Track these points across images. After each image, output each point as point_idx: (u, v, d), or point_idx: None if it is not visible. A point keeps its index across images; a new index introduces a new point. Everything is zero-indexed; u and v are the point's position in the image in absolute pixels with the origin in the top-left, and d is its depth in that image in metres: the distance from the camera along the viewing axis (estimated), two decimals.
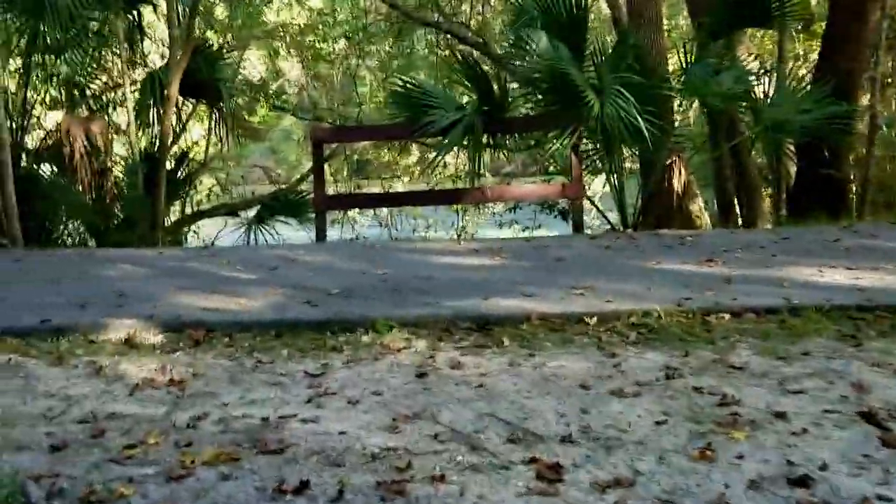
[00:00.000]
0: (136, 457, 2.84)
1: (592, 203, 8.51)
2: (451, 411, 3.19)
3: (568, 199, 8.24)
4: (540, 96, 8.27)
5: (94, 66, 10.13)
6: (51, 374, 3.73)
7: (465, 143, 8.15)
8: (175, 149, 10.96)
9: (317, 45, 16.54)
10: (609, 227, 8.73)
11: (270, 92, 15.02)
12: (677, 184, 8.27)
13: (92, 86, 10.35)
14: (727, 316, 4.29)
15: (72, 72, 9.80)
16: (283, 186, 18.44)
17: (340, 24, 16.30)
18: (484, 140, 8.19)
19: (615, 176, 8.49)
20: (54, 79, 9.86)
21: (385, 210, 17.98)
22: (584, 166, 8.25)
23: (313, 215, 8.29)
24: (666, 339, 3.99)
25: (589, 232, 8.74)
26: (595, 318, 4.26)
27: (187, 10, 8.88)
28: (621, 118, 7.38)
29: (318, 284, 5.15)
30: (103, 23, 9.24)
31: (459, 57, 8.42)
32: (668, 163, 8.39)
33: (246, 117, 21.11)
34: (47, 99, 10.11)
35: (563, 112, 7.92)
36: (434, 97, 8.59)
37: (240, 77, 15.63)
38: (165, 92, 8.49)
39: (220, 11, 16.87)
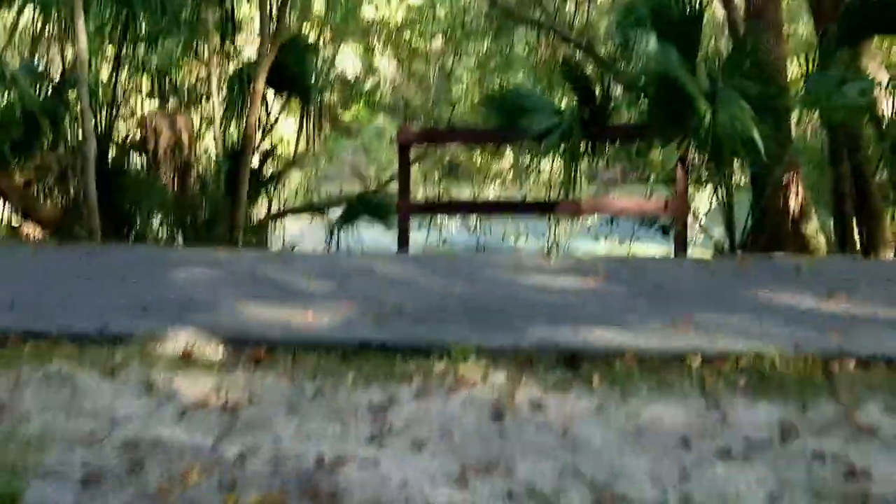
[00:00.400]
0: (172, 496, 2.61)
1: (696, 219, 8.01)
2: (529, 464, 2.87)
3: (671, 215, 7.77)
4: (646, 103, 7.81)
5: (186, 57, 10.16)
6: (100, 388, 3.56)
7: (560, 150, 7.77)
8: (265, 145, 10.95)
9: (413, 42, 16.37)
10: (715, 246, 8.21)
11: (364, 89, 14.90)
12: (794, 203, 7.70)
13: (182, 78, 10.36)
14: (853, 364, 3.81)
15: (162, 63, 9.85)
16: (371, 186, 18.43)
17: (438, 21, 16.08)
18: (582, 148, 7.79)
19: (724, 191, 7.97)
20: (145, 69, 9.91)
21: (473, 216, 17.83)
22: (689, 180, 7.77)
23: (396, 206, 8.05)
24: (781, 389, 3.55)
25: (692, 252, 8.22)
26: (698, 359, 3.84)
27: (279, 1, 8.76)
28: (735, 129, 6.87)
29: (394, 300, 4.87)
30: (195, 13, 9.20)
31: (560, 58, 8.05)
32: (783, 180, 7.82)
33: (339, 114, 21.24)
34: (138, 90, 10.17)
35: (671, 121, 7.45)
36: (530, 101, 8.26)
37: (334, 73, 15.61)
38: (252, 86, 8.40)
39: (317, 6, 16.88)
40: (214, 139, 8.66)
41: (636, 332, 4.22)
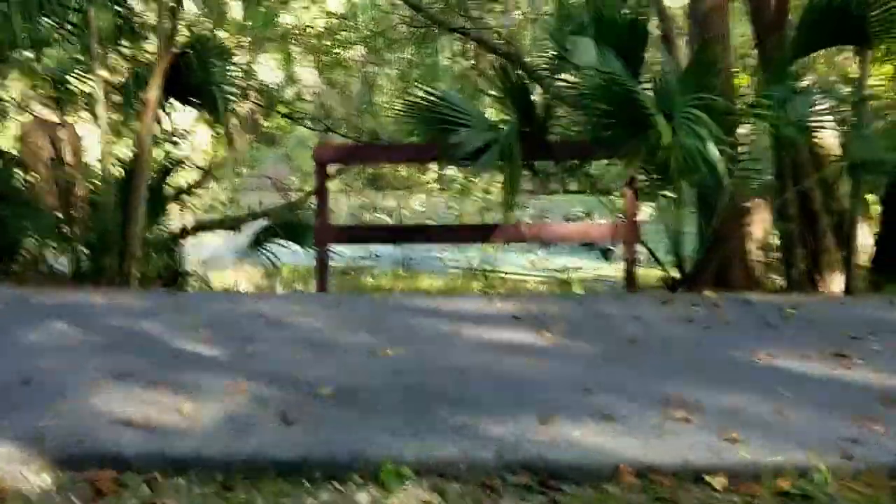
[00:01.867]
0: None
1: (645, 246, 6.84)
2: None
3: (619, 241, 6.61)
4: (593, 118, 6.62)
5: (75, 64, 8.57)
6: None
7: (497, 168, 6.53)
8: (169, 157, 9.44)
9: (333, 50, 14.94)
10: (664, 281, 7.06)
11: (283, 98, 13.42)
12: (757, 231, 6.62)
13: (70, 86, 8.75)
14: None
15: (48, 69, 8.29)
16: (292, 197, 16.89)
17: (359, 29, 14.69)
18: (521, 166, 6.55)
19: (673, 215, 6.85)
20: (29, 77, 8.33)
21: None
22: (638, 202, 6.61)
23: (314, 234, 6.69)
24: None
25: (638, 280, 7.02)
26: (723, 480, 2.62)
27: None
28: (696, 147, 5.74)
29: (305, 374, 3.54)
30: (84, 14, 7.62)
31: (495, 67, 6.78)
32: (746, 204, 6.74)
33: (260, 123, 19.63)
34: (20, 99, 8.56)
35: (621, 137, 6.30)
36: (461, 113, 6.98)
37: (252, 81, 14.09)
38: (142, 96, 6.90)
39: (235, 10, 15.33)
40: (101, 153, 7.11)
41: (624, 426, 2.98)
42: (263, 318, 4.71)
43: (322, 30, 15.37)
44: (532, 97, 6.69)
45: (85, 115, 7.96)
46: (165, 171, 9.28)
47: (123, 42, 9.05)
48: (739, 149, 7.12)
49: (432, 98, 7.28)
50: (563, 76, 7.40)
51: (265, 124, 20.58)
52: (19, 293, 5.41)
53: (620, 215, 6.89)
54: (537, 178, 6.99)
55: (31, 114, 8.44)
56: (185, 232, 12.48)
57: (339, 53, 15.11)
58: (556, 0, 9.27)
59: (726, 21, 7.55)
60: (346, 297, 5.74)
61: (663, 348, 4.09)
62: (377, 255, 16.89)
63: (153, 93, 6.75)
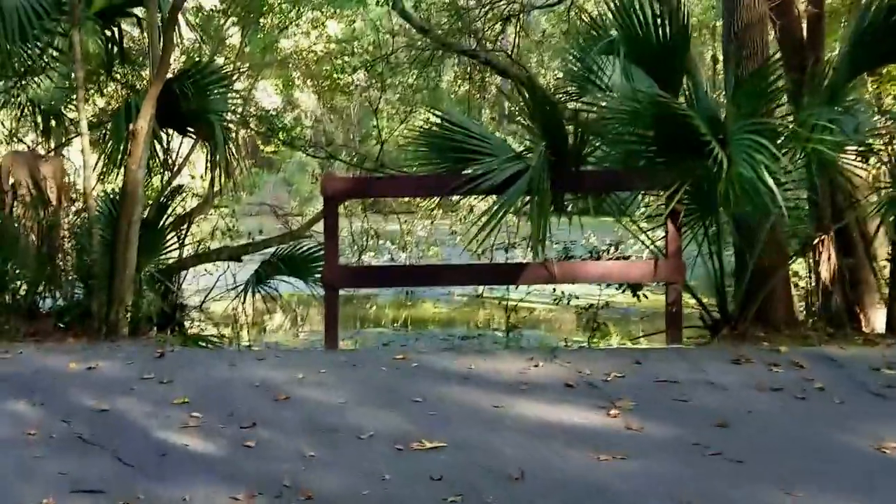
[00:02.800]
0: None
1: (689, 290, 5.93)
2: None
3: (661, 281, 5.70)
4: (630, 144, 5.73)
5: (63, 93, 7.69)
6: None
7: (525, 201, 5.63)
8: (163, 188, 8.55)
9: (334, 75, 14.07)
10: (703, 321, 6.15)
11: (282, 124, 12.51)
12: (825, 271, 5.71)
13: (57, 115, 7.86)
14: None
15: (34, 98, 7.41)
16: (292, 224, 15.95)
17: (360, 54, 13.82)
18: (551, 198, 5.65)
19: (714, 250, 5.96)
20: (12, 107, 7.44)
21: (403, 254, 15.48)
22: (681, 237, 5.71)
23: (321, 272, 5.77)
24: None
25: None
26: None
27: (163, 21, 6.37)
28: (755, 178, 4.86)
29: (321, 484, 2.61)
30: (70, 40, 6.69)
31: (522, 89, 5.89)
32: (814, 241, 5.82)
33: (259, 148, 18.74)
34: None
35: (666, 165, 5.43)
36: (480, 140, 6.11)
37: (251, 106, 13.21)
38: (131, 126, 5.99)
39: (234, 36, 14.48)
40: (83, 189, 6.17)
41: None
42: (266, 388, 3.79)
43: (322, 54, 14.54)
44: (563, 123, 5.79)
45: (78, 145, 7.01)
46: (162, 204, 8.38)
47: (116, 68, 8.18)
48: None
49: (448, 124, 6.41)
50: (587, 99, 6.52)
51: (264, 149, 19.68)
52: None
53: (652, 246, 6.00)
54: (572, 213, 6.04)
55: (11, 146, 7.52)
56: (183, 264, 11.56)
57: (340, 78, 14.26)
58: (580, 17, 8.45)
59: (765, 38, 6.68)
60: (360, 355, 4.79)
61: (763, 433, 3.18)
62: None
63: (143, 122, 5.82)
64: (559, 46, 11.46)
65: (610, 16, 6.49)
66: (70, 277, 6.27)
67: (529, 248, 6.03)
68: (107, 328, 5.81)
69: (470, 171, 5.92)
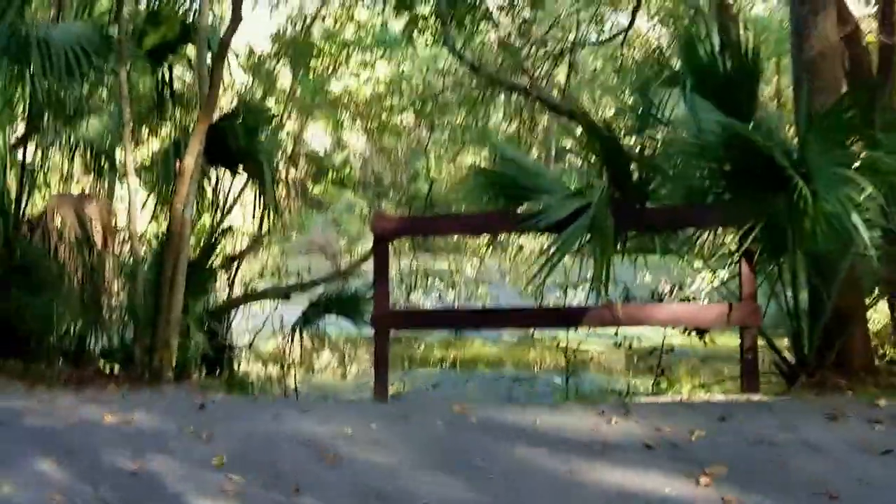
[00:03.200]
0: None
1: (764, 335, 5.40)
2: None
3: (736, 326, 5.19)
4: (699, 179, 5.28)
5: (115, 133, 7.53)
6: None
7: (586, 240, 5.20)
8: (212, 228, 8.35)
9: (383, 117, 13.88)
10: (778, 368, 5.61)
11: (332, 165, 12.32)
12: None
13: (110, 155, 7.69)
14: None
15: (84, 137, 7.25)
16: (341, 263, 15.72)
17: (410, 93, 13.62)
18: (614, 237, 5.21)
19: (790, 292, 5.44)
20: (65, 147, 7.28)
21: (451, 293, 15.05)
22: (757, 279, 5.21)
23: (370, 315, 5.37)
24: None
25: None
26: None
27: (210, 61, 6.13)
28: (846, 213, 4.37)
29: None
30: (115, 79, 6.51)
31: (586, 124, 5.49)
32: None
33: (308, 188, 18.64)
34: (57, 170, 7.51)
35: (739, 202, 4.96)
36: (536, 178, 5.72)
37: (301, 146, 13.09)
38: (177, 165, 5.74)
39: (283, 78, 14.45)
40: (129, 229, 5.90)
41: None
42: (312, 446, 3.39)
43: (371, 95, 14.39)
44: (627, 158, 5.36)
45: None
46: (210, 244, 8.16)
47: (167, 110, 8.01)
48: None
49: (502, 160, 6.04)
50: (649, 133, 6.10)
51: (313, 190, 19.59)
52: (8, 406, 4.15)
53: (721, 287, 5.51)
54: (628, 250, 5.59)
55: (63, 187, 7.35)
56: (232, 304, 11.35)
57: (389, 119, 14.08)
58: (634, 53, 8.09)
59: (838, 67, 6.21)
60: (412, 406, 4.35)
61: None
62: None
63: (189, 159, 5.56)
64: (609, 84, 11.09)
65: (666, 47, 6.11)
66: (115, 321, 6.00)
67: (590, 290, 5.55)
68: (150, 373, 5.50)
69: (526, 207, 5.56)
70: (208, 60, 6.28)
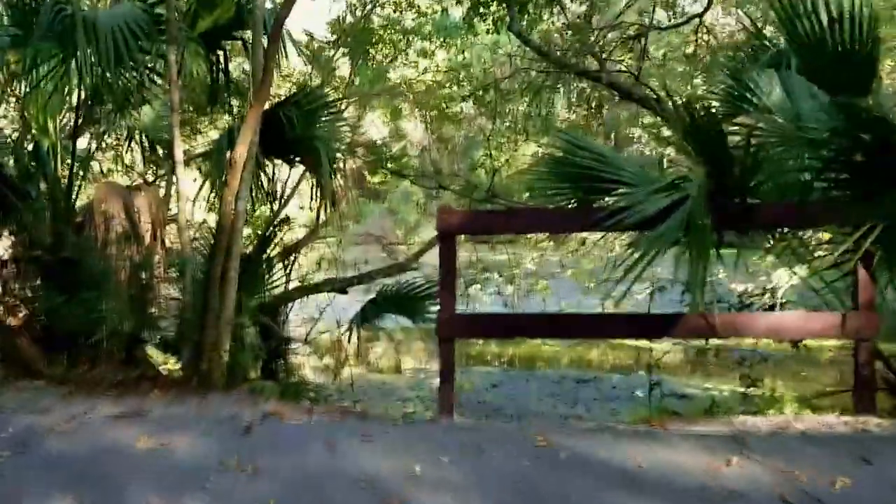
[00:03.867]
0: None
1: (880, 356, 4.62)
2: None
3: (850, 338, 4.42)
4: (812, 172, 4.51)
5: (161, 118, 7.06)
6: None
7: (680, 239, 4.47)
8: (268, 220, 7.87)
9: (443, 104, 13.21)
10: (889, 378, 4.82)
11: (389, 154, 11.72)
12: None
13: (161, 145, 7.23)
14: None
15: (136, 125, 6.79)
16: (398, 257, 15.14)
17: (469, 82, 12.91)
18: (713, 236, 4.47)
19: None
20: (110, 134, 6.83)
21: (510, 287, 14.34)
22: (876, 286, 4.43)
23: (436, 320, 4.73)
24: None
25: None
26: None
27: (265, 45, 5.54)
28: None
29: None
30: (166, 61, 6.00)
31: (680, 108, 4.75)
32: None
33: (366, 177, 18.12)
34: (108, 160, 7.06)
35: (854, 199, 4.20)
36: (616, 168, 5.01)
37: (359, 135, 12.51)
38: (229, 155, 5.19)
39: (342, 66, 13.89)
40: (178, 221, 5.36)
41: None
42: (373, 490, 2.78)
43: (430, 83, 13.74)
44: (726, 148, 4.60)
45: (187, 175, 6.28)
46: (266, 237, 7.63)
47: (224, 97, 7.48)
48: None
49: (577, 149, 5.32)
50: (743, 121, 5.32)
51: (370, 179, 19.09)
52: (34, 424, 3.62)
53: (827, 293, 4.72)
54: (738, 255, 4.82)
55: (118, 176, 6.90)
56: (288, 297, 10.86)
57: (448, 107, 13.40)
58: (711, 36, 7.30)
59: None
60: (487, 433, 3.68)
61: None
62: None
63: (241, 148, 5.00)
64: (681, 70, 10.23)
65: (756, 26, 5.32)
66: (163, 320, 5.50)
67: (683, 295, 4.84)
68: (198, 378, 4.99)
69: (609, 201, 4.88)
70: (264, 44, 5.71)
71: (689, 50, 10.31)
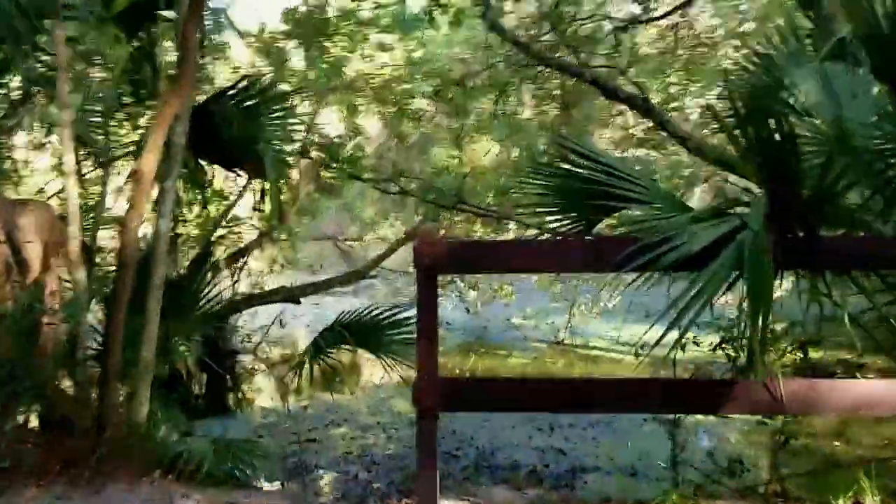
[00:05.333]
0: None
1: None
2: None
3: None
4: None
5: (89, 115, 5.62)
6: None
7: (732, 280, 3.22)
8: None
9: (402, 100, 11.84)
10: None
11: (349, 155, 10.31)
12: None
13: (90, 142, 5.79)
14: None
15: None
16: (356, 263, 13.70)
17: (430, 76, 11.54)
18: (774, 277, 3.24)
19: None
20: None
21: (472, 293, 13.03)
22: None
23: (412, 386, 3.43)
24: None
25: None
26: None
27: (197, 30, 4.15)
28: None
29: None
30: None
31: (740, 111, 3.47)
32: None
33: (320, 175, 16.60)
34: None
35: None
36: (628, 182, 3.78)
37: (314, 135, 11.07)
38: (139, 167, 3.72)
39: (296, 61, 12.42)
40: (69, 248, 3.92)
41: None
42: None
43: (389, 77, 12.33)
44: (792, 159, 3.38)
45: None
46: (204, 252, 6.24)
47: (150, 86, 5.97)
48: None
49: (580, 159, 4.08)
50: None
51: (325, 174, 17.58)
52: None
53: None
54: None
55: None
56: (234, 307, 9.44)
57: (408, 104, 12.02)
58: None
59: None
60: None
61: None
62: (448, 323, 13.43)
63: (148, 159, 3.59)
64: (668, 67, 9.06)
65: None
66: (54, 375, 4.05)
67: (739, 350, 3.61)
68: (97, 455, 3.58)
69: (631, 228, 3.64)
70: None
71: (666, 45, 9.16)
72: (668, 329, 3.08)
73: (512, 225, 11.08)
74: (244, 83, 5.28)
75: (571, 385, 3.80)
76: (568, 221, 4.31)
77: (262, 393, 10.00)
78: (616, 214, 4.17)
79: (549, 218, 4.43)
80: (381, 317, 5.93)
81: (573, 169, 4.13)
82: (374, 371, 10.21)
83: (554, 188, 4.29)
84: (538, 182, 4.40)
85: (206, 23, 6.14)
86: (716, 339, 4.73)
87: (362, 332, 5.86)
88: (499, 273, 9.40)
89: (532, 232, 8.37)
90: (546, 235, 4.47)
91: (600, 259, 3.30)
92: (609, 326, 11.90)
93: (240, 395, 9.99)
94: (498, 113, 10.09)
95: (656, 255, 3.20)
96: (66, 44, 4.65)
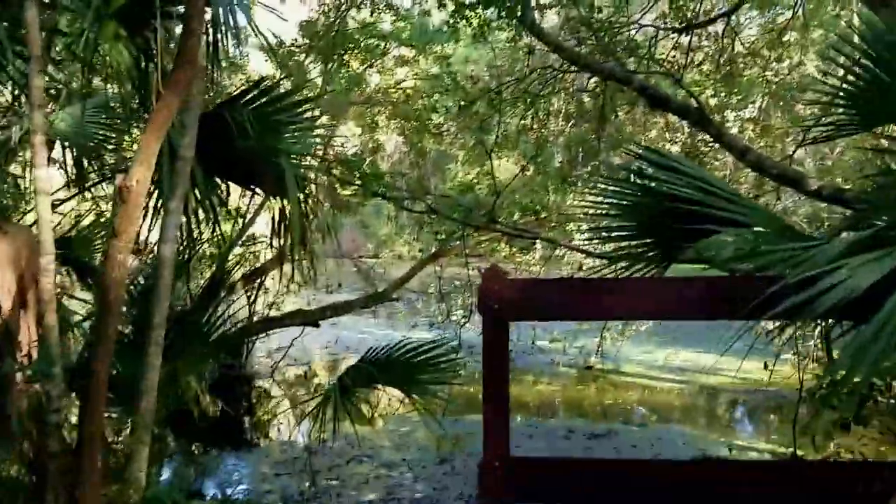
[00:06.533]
0: None
1: None
2: None
3: None
4: None
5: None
6: None
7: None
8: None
9: (424, 115, 11.01)
10: None
11: (372, 172, 9.43)
12: None
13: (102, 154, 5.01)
14: None
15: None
16: (370, 274, 12.70)
17: (451, 90, 10.69)
18: None
19: None
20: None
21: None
22: None
23: (479, 465, 2.88)
24: None
25: None
26: None
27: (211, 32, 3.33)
28: None
29: None
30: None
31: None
32: None
33: (337, 191, 15.77)
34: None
35: None
36: (726, 202, 2.91)
37: (332, 151, 10.24)
38: (126, 182, 2.86)
39: (315, 74, 11.61)
40: (40, 290, 3.05)
41: None
42: None
43: (410, 92, 11.50)
44: None
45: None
46: (218, 278, 5.40)
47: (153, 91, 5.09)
48: None
49: (667, 173, 3.22)
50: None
51: (342, 191, 16.75)
52: None
53: None
54: None
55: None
56: (249, 332, 8.49)
57: (430, 120, 11.18)
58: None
59: None
60: None
61: None
62: (458, 344, 12.42)
63: (139, 173, 2.71)
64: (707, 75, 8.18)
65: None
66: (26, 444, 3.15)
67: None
68: None
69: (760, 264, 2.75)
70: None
71: (711, 53, 8.29)
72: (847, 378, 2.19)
73: (538, 245, 10.22)
74: (260, 86, 4.42)
75: (684, 467, 2.86)
76: (643, 248, 3.45)
77: (280, 420, 9.16)
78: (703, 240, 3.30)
79: (623, 244, 3.57)
80: (416, 353, 5.04)
81: (656, 187, 3.27)
82: (393, 395, 9.33)
83: (630, 209, 3.44)
84: (609, 201, 3.54)
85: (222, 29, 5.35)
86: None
87: (392, 370, 4.96)
88: (589, 321, 8.36)
89: (578, 256, 7.47)
90: (622, 264, 3.58)
91: (730, 301, 2.40)
92: (639, 350, 10.97)
93: (255, 421, 9.19)
94: (524, 128, 9.23)
95: (809, 296, 2.32)
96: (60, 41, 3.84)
